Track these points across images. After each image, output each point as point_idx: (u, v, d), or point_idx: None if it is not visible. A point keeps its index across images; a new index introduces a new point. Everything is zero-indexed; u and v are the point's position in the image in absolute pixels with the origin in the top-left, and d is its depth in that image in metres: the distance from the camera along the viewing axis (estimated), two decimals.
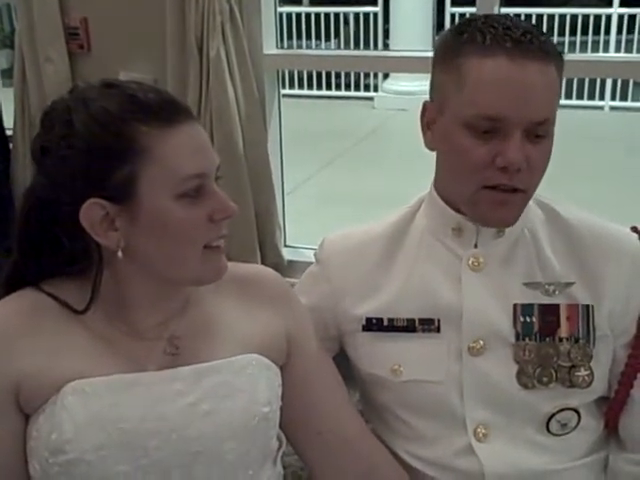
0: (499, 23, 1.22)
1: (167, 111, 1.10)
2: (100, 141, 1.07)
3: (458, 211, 1.33)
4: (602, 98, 8.32)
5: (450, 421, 1.33)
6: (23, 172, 2.59)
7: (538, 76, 1.20)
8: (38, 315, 1.15)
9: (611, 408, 1.37)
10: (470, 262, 1.34)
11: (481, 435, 1.32)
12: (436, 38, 8.73)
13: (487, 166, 1.23)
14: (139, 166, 1.07)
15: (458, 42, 1.24)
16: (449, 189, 1.34)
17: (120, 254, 1.11)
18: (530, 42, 1.20)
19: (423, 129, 1.34)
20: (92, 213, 1.09)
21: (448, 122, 1.26)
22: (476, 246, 1.34)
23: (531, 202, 1.36)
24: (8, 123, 2.66)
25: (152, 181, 1.08)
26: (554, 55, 1.23)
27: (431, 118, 1.31)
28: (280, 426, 1.26)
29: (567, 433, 1.33)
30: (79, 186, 1.09)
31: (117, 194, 1.08)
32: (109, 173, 1.08)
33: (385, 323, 1.36)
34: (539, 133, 1.23)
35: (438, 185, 1.37)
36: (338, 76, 9.01)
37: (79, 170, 1.08)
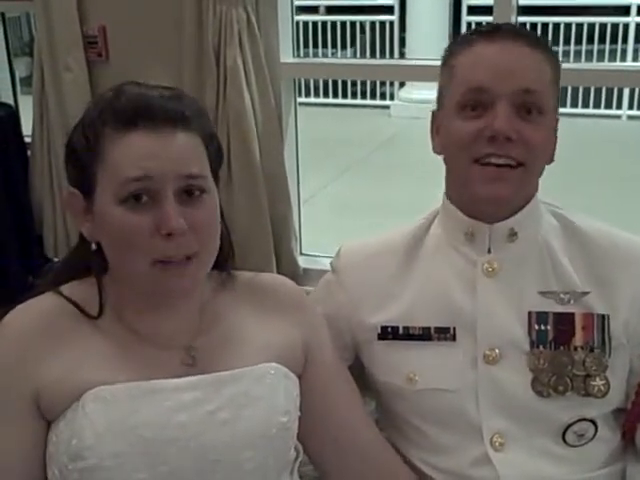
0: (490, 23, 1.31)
1: (131, 114, 1.09)
2: (75, 141, 1.15)
3: (469, 215, 1.34)
4: (619, 107, 8.27)
5: (466, 430, 1.33)
6: (41, 179, 2.61)
7: (518, 52, 1.28)
8: (59, 321, 1.16)
9: (628, 420, 1.36)
10: (484, 267, 1.34)
11: (497, 444, 1.31)
12: None
13: (475, 139, 1.27)
14: (96, 168, 1.11)
15: (451, 47, 1.36)
16: (452, 182, 1.37)
17: (94, 246, 1.17)
18: (514, 28, 1.30)
19: (432, 136, 1.39)
20: (72, 201, 1.16)
21: (446, 116, 1.33)
22: (490, 251, 1.34)
23: (545, 212, 1.37)
24: (26, 130, 2.68)
25: (103, 183, 1.11)
26: (540, 44, 1.30)
27: (438, 123, 1.37)
28: (297, 436, 1.26)
29: (584, 444, 1.32)
30: (68, 175, 1.19)
31: (84, 190, 1.13)
32: (79, 170, 1.14)
33: (400, 332, 1.36)
34: (528, 105, 1.26)
35: (448, 190, 1.40)
36: (354, 84, 9.01)
37: (66, 162, 1.18)
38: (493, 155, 1.26)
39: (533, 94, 1.26)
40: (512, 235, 1.34)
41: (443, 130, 1.35)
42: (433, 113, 1.39)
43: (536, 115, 1.27)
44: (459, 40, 1.36)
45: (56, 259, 2.67)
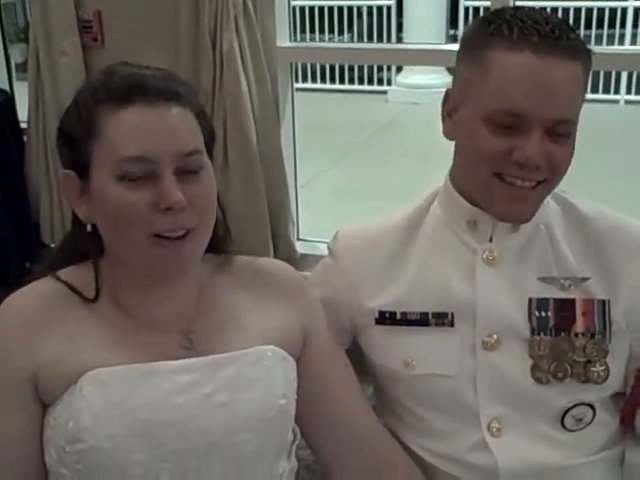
0: (528, 16, 1.21)
1: (125, 91, 1.10)
2: (68, 122, 1.15)
3: (473, 204, 1.32)
4: (617, 92, 8.26)
5: (464, 416, 1.32)
6: (37, 164, 2.60)
7: (564, 74, 1.19)
8: (56, 304, 1.17)
9: (627, 404, 1.36)
10: (485, 256, 1.33)
11: (495, 430, 1.31)
12: (449, 30, 8.71)
13: (501, 158, 1.22)
14: (91, 146, 1.11)
15: (485, 34, 1.24)
16: (465, 179, 1.33)
17: (89, 228, 1.16)
18: (558, 38, 1.19)
19: (443, 117, 1.33)
20: (68, 183, 1.16)
21: (469, 112, 1.26)
22: (491, 240, 1.33)
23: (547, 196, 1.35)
24: (22, 116, 2.67)
25: (99, 160, 1.11)
26: (582, 53, 1.22)
27: (453, 107, 1.30)
28: (294, 419, 1.26)
29: (582, 428, 1.32)
30: (61, 158, 1.18)
31: (81, 170, 1.13)
32: (74, 151, 1.14)
33: (398, 317, 1.36)
34: (560, 132, 1.22)
35: (454, 176, 1.36)
36: (352, 70, 8.99)
37: (58, 145, 1.18)
38: (518, 178, 1.23)
39: (567, 124, 1.22)
40: (515, 225, 1.32)
41: (461, 121, 1.28)
42: (447, 93, 1.32)
43: (564, 137, 1.23)
44: (496, 29, 1.21)
45: (53, 245, 2.67)
